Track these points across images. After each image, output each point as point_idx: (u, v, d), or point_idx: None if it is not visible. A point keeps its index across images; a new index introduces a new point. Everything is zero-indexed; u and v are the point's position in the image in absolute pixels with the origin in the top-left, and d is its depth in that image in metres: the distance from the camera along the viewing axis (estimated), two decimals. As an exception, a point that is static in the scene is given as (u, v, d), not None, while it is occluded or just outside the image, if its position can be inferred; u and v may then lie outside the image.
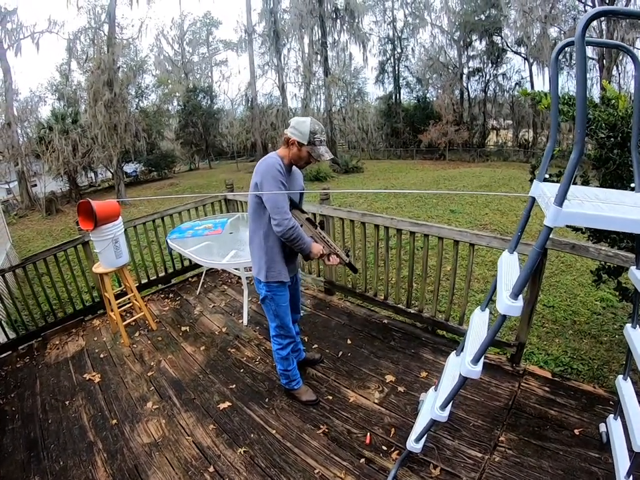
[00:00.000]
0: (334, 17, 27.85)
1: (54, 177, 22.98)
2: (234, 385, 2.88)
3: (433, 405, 1.71)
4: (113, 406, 2.82)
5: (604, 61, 23.37)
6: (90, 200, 3.08)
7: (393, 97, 34.69)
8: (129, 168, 31.82)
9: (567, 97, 3.37)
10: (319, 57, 27.49)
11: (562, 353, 4.25)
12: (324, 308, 3.81)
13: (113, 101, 19.81)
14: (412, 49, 33.17)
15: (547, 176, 1.53)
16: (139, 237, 4.43)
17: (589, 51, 24.63)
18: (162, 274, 4.68)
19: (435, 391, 2.29)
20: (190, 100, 32.27)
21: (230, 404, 2.70)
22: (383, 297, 3.52)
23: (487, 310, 1.75)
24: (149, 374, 3.14)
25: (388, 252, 3.34)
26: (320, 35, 27.39)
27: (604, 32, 22.72)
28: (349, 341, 3.23)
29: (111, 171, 23.94)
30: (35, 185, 22.65)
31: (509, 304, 1.32)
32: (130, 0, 22.54)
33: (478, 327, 1.66)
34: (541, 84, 27.90)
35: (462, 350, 1.96)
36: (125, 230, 4.18)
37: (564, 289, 5.93)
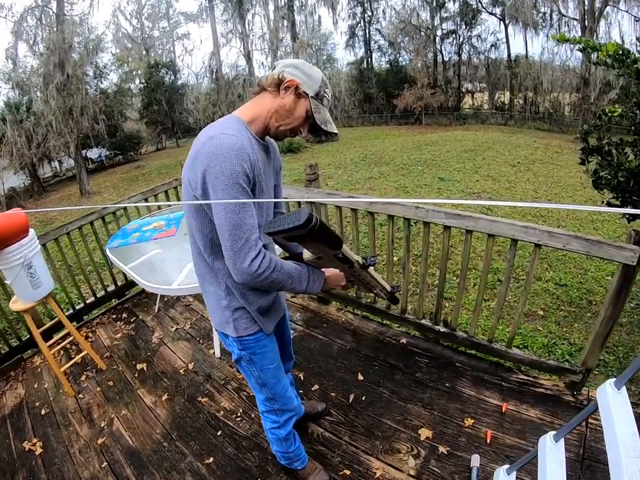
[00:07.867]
0: (300, -23, 26.10)
1: (15, 172, 21.29)
2: (211, 459, 2.03)
3: None
4: (59, 493, 2.05)
5: (586, 21, 22.37)
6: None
7: (365, 62, 33.37)
8: (94, 153, 30.03)
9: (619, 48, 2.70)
10: (285, 22, 25.82)
11: (584, 341, 3.64)
12: (320, 325, 2.92)
13: (65, 83, 18.03)
14: (383, 11, 31.92)
15: None
16: (74, 245, 3.42)
17: (570, 11, 23.76)
18: (111, 288, 3.69)
19: (508, 474, 1.49)
20: (152, 77, 30.21)
21: (207, 491, 1.88)
22: (399, 311, 2.65)
23: (624, 388, 0.89)
24: (99, 441, 2.28)
25: (409, 252, 2.42)
26: (286, -2, 25.66)
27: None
28: (360, 376, 2.37)
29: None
30: (-3, 182, 20.93)
31: None
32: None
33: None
34: (519, 45, 26.97)
35: (565, 433, 1.16)
36: (56, 238, 3.23)
37: (572, 263, 5.40)
